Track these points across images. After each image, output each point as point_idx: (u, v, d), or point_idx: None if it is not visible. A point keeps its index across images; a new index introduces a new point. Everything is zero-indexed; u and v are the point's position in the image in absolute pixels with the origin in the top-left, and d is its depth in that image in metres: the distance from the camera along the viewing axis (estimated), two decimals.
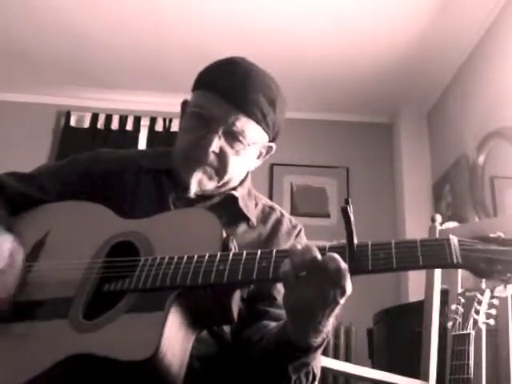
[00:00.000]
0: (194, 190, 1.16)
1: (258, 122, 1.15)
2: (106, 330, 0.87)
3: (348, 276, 0.81)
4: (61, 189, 1.19)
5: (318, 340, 0.90)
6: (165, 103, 3.86)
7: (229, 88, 1.13)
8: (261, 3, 3.10)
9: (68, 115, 3.98)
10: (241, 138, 1.15)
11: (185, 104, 1.24)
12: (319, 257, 0.81)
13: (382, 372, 1.72)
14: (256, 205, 1.25)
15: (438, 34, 3.19)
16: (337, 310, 0.86)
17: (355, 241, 0.84)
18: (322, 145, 4.03)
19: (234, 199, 1.20)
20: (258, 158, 1.26)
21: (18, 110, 3.98)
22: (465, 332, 1.56)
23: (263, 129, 1.17)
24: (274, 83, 1.20)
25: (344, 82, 3.71)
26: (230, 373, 1.06)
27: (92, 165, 1.23)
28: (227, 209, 1.19)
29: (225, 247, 0.93)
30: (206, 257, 0.90)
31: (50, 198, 1.18)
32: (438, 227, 1.84)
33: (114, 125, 3.96)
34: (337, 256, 0.81)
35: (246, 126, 1.14)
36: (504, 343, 1.59)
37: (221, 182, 1.18)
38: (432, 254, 0.81)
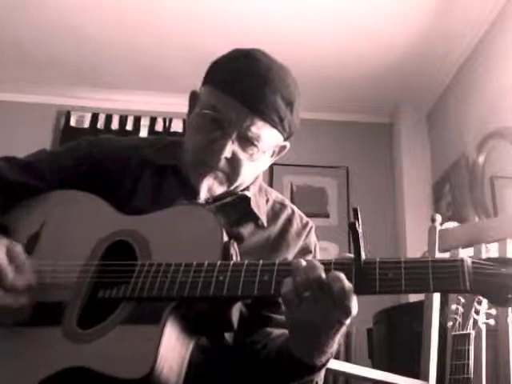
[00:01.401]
0: (203, 196, 1.10)
1: (274, 126, 1.08)
2: (101, 342, 0.84)
3: (353, 297, 0.77)
4: (60, 176, 1.14)
5: (323, 359, 0.87)
6: (165, 103, 3.86)
7: (245, 90, 1.05)
8: (261, 3, 3.10)
9: (68, 115, 3.98)
10: (255, 143, 1.08)
11: (194, 96, 1.16)
12: (323, 276, 0.77)
13: (382, 372, 1.71)
14: (267, 201, 1.20)
15: (438, 34, 3.19)
16: (342, 330, 0.82)
17: (363, 257, 0.79)
18: (321, 145, 4.03)
19: (247, 199, 1.15)
20: (272, 156, 1.19)
21: (18, 110, 3.98)
22: (465, 332, 1.56)
23: (279, 131, 1.11)
24: (292, 81, 1.12)
25: (344, 82, 3.71)
26: (229, 380, 1.04)
27: (93, 152, 1.17)
28: (237, 208, 1.14)
29: (225, 252, 0.89)
30: (205, 265, 0.86)
31: (48, 185, 1.13)
32: (438, 227, 1.84)
33: (114, 125, 3.96)
34: (342, 275, 0.77)
35: (262, 130, 1.07)
36: (504, 343, 1.59)
37: (231, 188, 1.13)
38: (443, 277, 0.76)
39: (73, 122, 3.97)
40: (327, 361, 0.89)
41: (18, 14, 3.27)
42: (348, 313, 0.78)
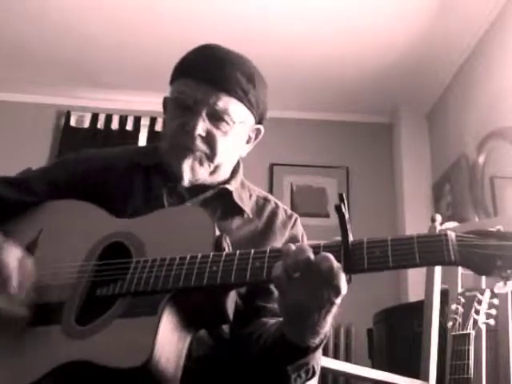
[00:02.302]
0: (187, 178, 1.13)
1: (240, 100, 1.14)
2: (100, 336, 0.86)
3: (342, 275, 0.79)
4: (50, 190, 1.17)
5: (316, 341, 0.89)
6: None
7: (205, 70, 1.12)
8: (261, 3, 3.10)
9: (68, 115, 3.98)
10: (226, 118, 1.13)
11: (165, 101, 1.24)
12: (312, 257, 0.79)
13: (382, 372, 1.72)
14: (250, 196, 1.24)
15: (438, 34, 3.19)
16: (334, 310, 0.84)
17: (350, 238, 0.82)
18: (322, 145, 4.03)
19: (228, 193, 1.18)
20: (248, 142, 1.24)
21: (18, 110, 3.98)
22: (465, 332, 1.56)
23: (247, 107, 1.16)
24: (250, 63, 1.18)
25: (344, 82, 3.71)
26: (228, 372, 1.06)
27: (81, 164, 1.21)
28: (221, 202, 1.17)
29: (218, 246, 0.92)
30: (199, 257, 0.88)
31: (41, 200, 1.15)
32: (438, 227, 1.84)
33: (114, 125, 3.96)
34: (330, 255, 0.79)
35: (229, 104, 1.12)
36: (504, 343, 1.59)
37: (212, 167, 1.15)
38: (428, 251, 0.79)
39: (73, 122, 3.97)
40: (321, 342, 0.90)
41: (18, 13, 3.27)
42: (338, 291, 0.80)
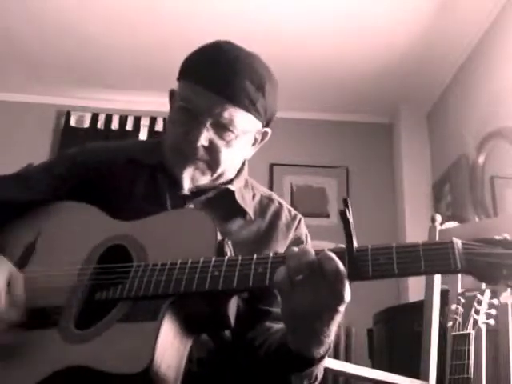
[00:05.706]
0: (187, 186, 1.12)
1: (247, 110, 1.09)
2: (99, 340, 0.85)
3: (346, 281, 0.78)
4: (52, 187, 1.15)
5: (321, 351, 0.88)
6: (165, 103, 3.82)
7: (212, 77, 1.08)
8: (261, 3, 3.10)
9: (68, 115, 3.98)
10: (230, 128, 1.09)
11: (172, 94, 1.21)
12: (315, 258, 0.78)
13: (382, 372, 1.71)
14: (253, 196, 1.21)
15: (438, 34, 3.19)
16: (338, 319, 0.83)
17: (355, 245, 0.80)
18: (322, 145, 4.03)
19: (230, 193, 1.16)
20: (254, 144, 1.21)
21: (18, 110, 3.98)
22: (465, 332, 1.56)
23: (254, 116, 1.12)
24: (262, 67, 1.13)
25: (344, 82, 3.71)
26: (229, 376, 1.04)
27: (84, 160, 1.19)
28: (223, 203, 1.15)
29: (220, 250, 0.90)
30: (200, 262, 0.87)
31: (40, 197, 1.13)
32: (438, 227, 1.84)
33: (114, 125, 3.96)
34: (333, 255, 0.78)
35: (235, 115, 1.08)
36: (504, 343, 1.59)
37: (214, 176, 1.14)
38: (434, 259, 0.77)
39: (73, 122, 3.97)
40: (326, 352, 0.89)
41: (17, 14, 3.26)
42: (340, 297, 0.79)
